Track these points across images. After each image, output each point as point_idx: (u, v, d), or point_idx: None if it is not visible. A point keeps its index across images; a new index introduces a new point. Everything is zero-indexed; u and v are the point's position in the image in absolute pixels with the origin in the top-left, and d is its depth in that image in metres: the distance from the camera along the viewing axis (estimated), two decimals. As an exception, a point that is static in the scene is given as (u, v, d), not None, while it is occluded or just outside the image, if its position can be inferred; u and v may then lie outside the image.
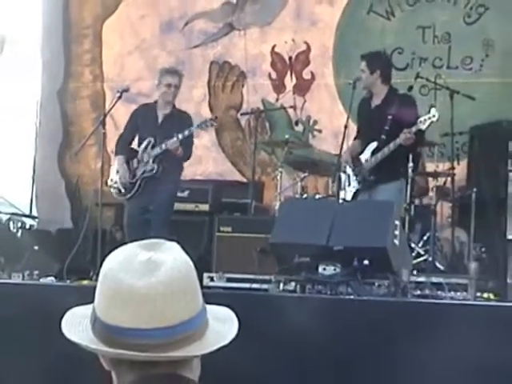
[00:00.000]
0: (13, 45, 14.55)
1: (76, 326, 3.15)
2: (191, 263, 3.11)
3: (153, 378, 3.11)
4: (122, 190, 12.07)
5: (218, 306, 3.27)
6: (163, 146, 11.88)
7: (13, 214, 12.86)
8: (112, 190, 12.15)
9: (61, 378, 7.08)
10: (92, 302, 3.15)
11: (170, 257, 3.11)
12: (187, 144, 11.96)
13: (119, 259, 3.10)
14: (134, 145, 12.42)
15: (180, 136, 11.76)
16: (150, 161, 12.02)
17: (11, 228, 12.21)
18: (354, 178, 11.47)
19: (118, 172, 12.09)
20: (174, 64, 13.85)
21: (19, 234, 12.14)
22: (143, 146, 12.19)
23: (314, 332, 8.67)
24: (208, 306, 3.18)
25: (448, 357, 8.43)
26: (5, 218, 12.58)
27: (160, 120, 12.29)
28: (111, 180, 12.19)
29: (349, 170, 11.53)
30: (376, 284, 9.59)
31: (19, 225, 12.40)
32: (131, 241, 3.19)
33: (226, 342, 3.13)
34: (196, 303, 3.12)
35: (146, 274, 3.04)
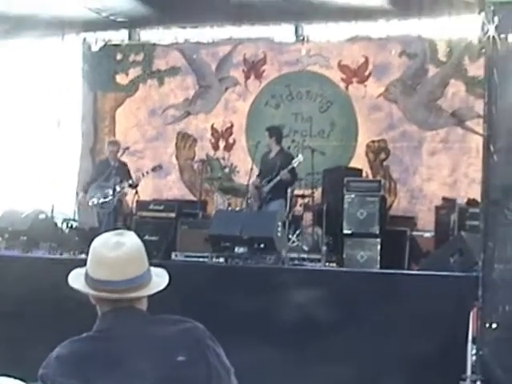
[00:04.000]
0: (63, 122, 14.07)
1: (76, 279, 3.34)
2: (141, 243, 3.33)
3: (119, 309, 3.28)
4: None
5: (158, 268, 3.43)
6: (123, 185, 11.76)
7: (64, 219, 12.35)
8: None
9: (72, 310, 6.30)
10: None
11: (129, 240, 3.31)
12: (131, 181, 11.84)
13: (101, 240, 3.31)
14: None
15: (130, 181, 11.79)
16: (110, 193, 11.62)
17: (63, 228, 12.07)
18: (257, 198, 11.35)
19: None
20: (155, 135, 14.09)
21: (67, 231, 12.02)
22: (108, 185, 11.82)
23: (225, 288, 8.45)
24: (152, 268, 3.37)
25: (299, 305, 7.99)
26: (59, 221, 12.14)
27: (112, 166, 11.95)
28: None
29: (254, 194, 11.43)
30: (267, 258, 9.41)
31: (66, 225, 12.26)
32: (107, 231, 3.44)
33: (161, 287, 3.32)
34: (144, 266, 3.31)
35: (115, 249, 3.25)
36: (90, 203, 12.07)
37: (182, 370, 3.16)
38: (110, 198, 11.74)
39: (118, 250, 3.26)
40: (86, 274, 3.29)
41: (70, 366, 3.18)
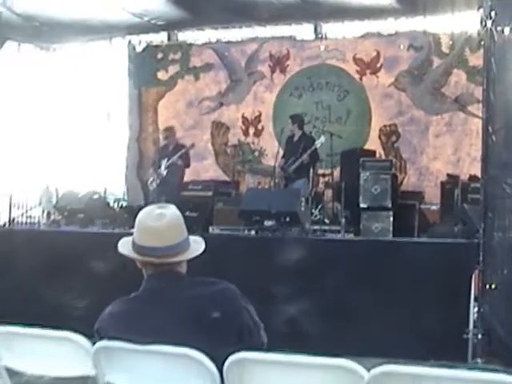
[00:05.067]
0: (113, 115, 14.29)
1: (124, 246, 3.38)
2: (180, 215, 3.36)
3: (162, 272, 3.31)
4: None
5: (195, 236, 3.48)
6: (173, 159, 11.85)
7: (115, 199, 12.66)
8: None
9: (119, 275, 6.38)
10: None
11: (170, 211, 3.34)
12: (187, 159, 12.08)
13: (145, 212, 3.36)
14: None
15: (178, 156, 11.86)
16: (164, 169, 11.88)
17: (114, 206, 12.01)
18: (283, 177, 11.33)
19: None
20: (193, 124, 14.04)
21: (117, 209, 11.94)
22: (163, 163, 11.93)
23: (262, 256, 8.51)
24: (190, 236, 3.41)
25: (321, 270, 8.11)
26: (111, 201, 12.30)
27: (170, 149, 12.09)
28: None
29: (280, 174, 11.42)
30: (293, 229, 9.29)
31: (117, 204, 12.20)
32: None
33: (198, 253, 3.36)
34: (183, 234, 3.35)
35: (158, 219, 3.29)
36: (149, 183, 12.17)
37: (216, 325, 3.18)
38: (164, 175, 11.84)
39: (160, 221, 3.29)
40: (133, 242, 3.34)
41: (120, 321, 3.26)
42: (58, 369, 3.52)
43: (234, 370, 3.02)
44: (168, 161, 11.94)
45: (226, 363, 3.01)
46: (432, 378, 2.76)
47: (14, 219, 11.26)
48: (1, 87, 13.02)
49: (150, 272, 3.34)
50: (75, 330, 3.39)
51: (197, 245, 3.41)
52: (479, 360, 7.17)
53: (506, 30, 7.83)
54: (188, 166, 12.22)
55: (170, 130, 12.61)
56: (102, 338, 3.25)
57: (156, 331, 3.14)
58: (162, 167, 11.94)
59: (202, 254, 3.38)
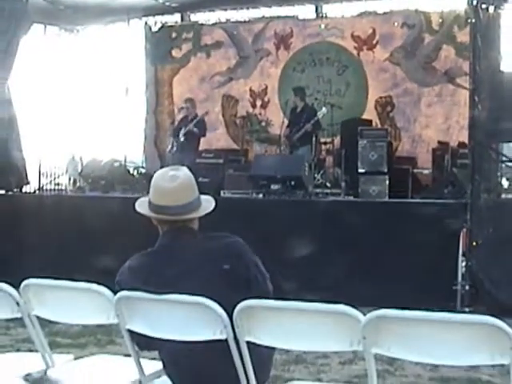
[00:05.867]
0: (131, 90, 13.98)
1: (141, 206, 3.37)
2: (192, 176, 3.36)
3: (176, 228, 3.31)
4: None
5: (206, 196, 3.46)
6: (189, 127, 11.69)
7: (135, 166, 12.56)
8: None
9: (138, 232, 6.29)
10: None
11: (182, 173, 3.33)
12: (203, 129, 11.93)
13: (160, 173, 3.36)
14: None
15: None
16: (182, 137, 11.67)
17: (134, 173, 12.03)
18: (288, 145, 11.31)
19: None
20: (205, 97, 13.84)
21: (136, 176, 11.95)
22: (182, 131, 11.72)
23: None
24: (202, 196, 3.40)
25: (323, 228, 8.21)
26: (131, 168, 12.19)
27: (189, 119, 11.90)
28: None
29: (285, 142, 11.38)
30: (297, 193, 9.41)
31: (137, 171, 12.15)
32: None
33: (209, 210, 3.36)
34: (195, 194, 3.34)
35: (171, 180, 3.29)
36: (168, 150, 12.02)
37: (226, 276, 3.20)
38: (181, 142, 11.69)
39: (173, 182, 3.29)
40: (149, 202, 3.34)
41: (139, 274, 3.28)
42: (84, 318, 3.59)
43: (243, 317, 3.05)
44: (185, 129, 11.79)
45: (236, 310, 3.03)
46: (423, 320, 2.80)
47: (42, 186, 11.27)
48: (29, 67, 12.67)
49: (165, 229, 3.34)
50: (99, 283, 3.41)
51: (208, 203, 3.40)
52: (467, 309, 7.25)
53: (491, 9, 7.92)
54: (204, 135, 12.08)
55: (191, 101, 12.44)
56: (122, 289, 3.25)
57: (172, 282, 3.15)
58: (181, 135, 11.76)
59: (213, 212, 3.37)
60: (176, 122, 13.01)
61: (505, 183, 9.39)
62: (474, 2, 7.87)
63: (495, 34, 8.10)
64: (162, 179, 3.32)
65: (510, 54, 8.26)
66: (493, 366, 2.80)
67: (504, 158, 8.52)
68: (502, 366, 2.70)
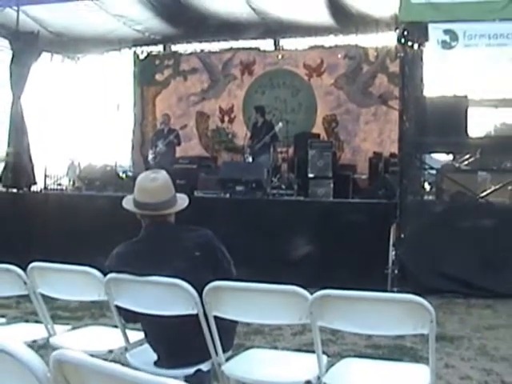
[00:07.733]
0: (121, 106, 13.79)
1: (127, 202, 3.30)
2: (169, 178, 3.30)
3: (156, 222, 3.24)
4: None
5: (181, 194, 3.39)
6: (170, 137, 11.62)
7: (123, 170, 12.40)
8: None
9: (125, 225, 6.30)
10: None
11: (161, 175, 3.27)
12: (178, 140, 11.84)
13: (143, 175, 3.30)
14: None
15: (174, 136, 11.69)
16: (162, 147, 11.54)
17: (123, 176, 11.86)
18: (250, 154, 10.99)
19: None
20: (182, 113, 13.62)
21: (125, 178, 11.83)
22: (160, 141, 11.63)
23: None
24: (177, 194, 3.33)
25: (279, 222, 8.17)
26: (120, 172, 11.99)
27: (165, 132, 11.82)
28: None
29: (248, 151, 11.06)
30: (258, 193, 9.23)
31: (125, 175, 11.98)
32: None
33: (184, 207, 3.30)
34: (172, 193, 3.29)
35: (152, 181, 3.23)
36: (149, 157, 11.85)
37: (197, 261, 3.17)
38: (162, 151, 11.58)
39: (154, 182, 3.25)
40: (134, 199, 3.29)
41: (124, 259, 3.23)
42: (80, 295, 3.63)
43: (211, 295, 3.05)
44: (165, 140, 11.68)
45: (205, 290, 3.04)
46: (359, 298, 2.83)
47: (47, 186, 11.21)
48: (38, 88, 12.64)
49: (147, 222, 3.30)
50: (92, 266, 3.43)
51: (183, 201, 3.36)
52: (395, 289, 7.26)
53: (415, 46, 8.05)
54: (179, 144, 11.99)
55: (166, 116, 12.40)
56: (111, 272, 3.23)
57: (152, 266, 3.12)
58: (160, 145, 11.64)
59: (187, 208, 3.33)
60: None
61: (427, 187, 9.65)
62: (403, 40, 7.99)
63: (419, 66, 8.35)
64: (145, 180, 3.28)
65: (430, 82, 8.62)
66: (415, 335, 2.86)
67: (426, 166, 8.71)
68: (423, 335, 2.74)
